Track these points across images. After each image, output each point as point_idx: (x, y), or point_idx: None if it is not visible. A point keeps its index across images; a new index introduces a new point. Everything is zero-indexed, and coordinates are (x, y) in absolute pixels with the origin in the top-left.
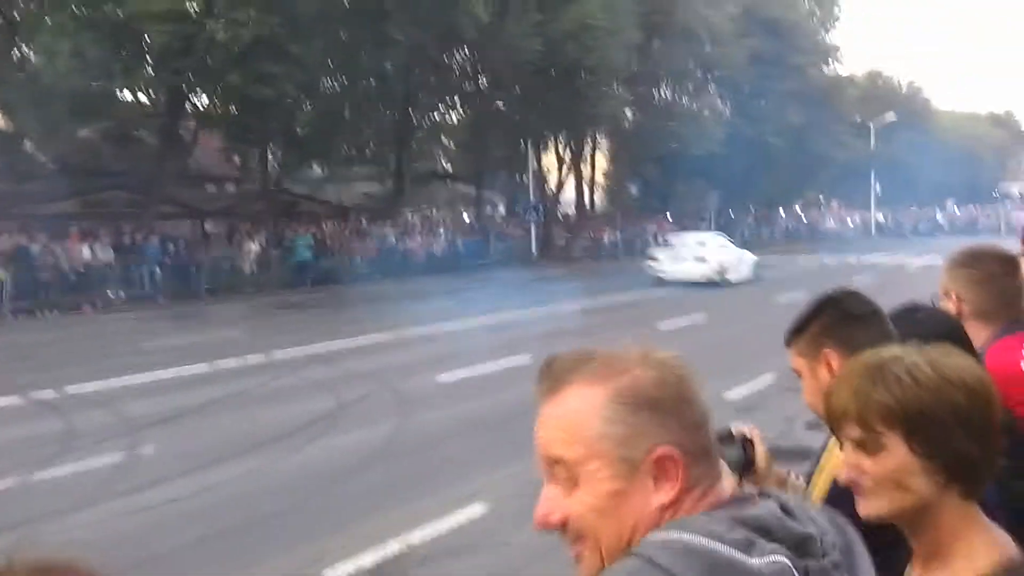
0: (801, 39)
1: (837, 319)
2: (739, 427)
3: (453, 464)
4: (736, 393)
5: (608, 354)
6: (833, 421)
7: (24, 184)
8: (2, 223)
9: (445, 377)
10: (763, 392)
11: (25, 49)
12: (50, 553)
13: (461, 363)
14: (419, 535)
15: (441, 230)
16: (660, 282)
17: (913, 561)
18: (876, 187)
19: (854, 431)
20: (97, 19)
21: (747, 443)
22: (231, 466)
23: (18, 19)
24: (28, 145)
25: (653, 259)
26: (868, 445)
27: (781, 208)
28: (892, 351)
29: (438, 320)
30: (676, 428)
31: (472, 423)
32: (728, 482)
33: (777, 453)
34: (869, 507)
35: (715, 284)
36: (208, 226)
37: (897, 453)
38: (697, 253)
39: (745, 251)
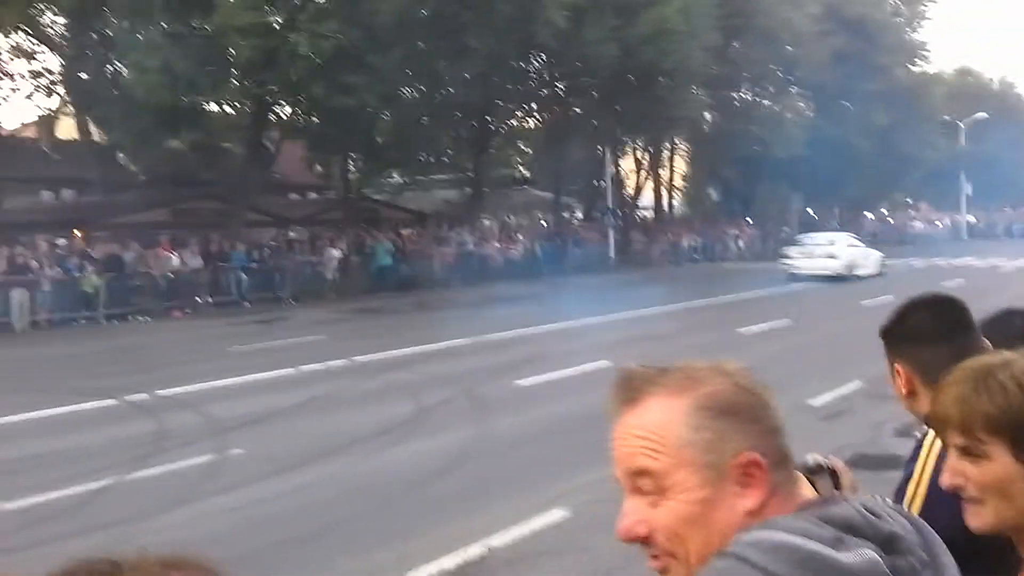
0: (886, 37)
1: (904, 337)
2: (818, 457)
3: (533, 468)
4: (821, 400)
5: (684, 366)
6: (937, 426)
7: (117, 195)
8: (97, 232)
9: (525, 381)
10: (849, 398)
11: (118, 65)
12: (176, 550)
13: (541, 368)
14: (500, 539)
15: (519, 236)
16: (794, 278)
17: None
18: (967, 188)
19: (957, 438)
20: (185, 34)
21: (832, 473)
22: (315, 468)
23: (111, 36)
24: (121, 157)
25: (787, 256)
26: (971, 452)
27: (867, 210)
28: (999, 357)
29: (517, 325)
30: (757, 434)
31: (552, 428)
32: (808, 488)
33: (865, 461)
34: (977, 519)
35: (844, 278)
36: (292, 233)
37: (1001, 462)
38: (828, 250)
39: (872, 249)
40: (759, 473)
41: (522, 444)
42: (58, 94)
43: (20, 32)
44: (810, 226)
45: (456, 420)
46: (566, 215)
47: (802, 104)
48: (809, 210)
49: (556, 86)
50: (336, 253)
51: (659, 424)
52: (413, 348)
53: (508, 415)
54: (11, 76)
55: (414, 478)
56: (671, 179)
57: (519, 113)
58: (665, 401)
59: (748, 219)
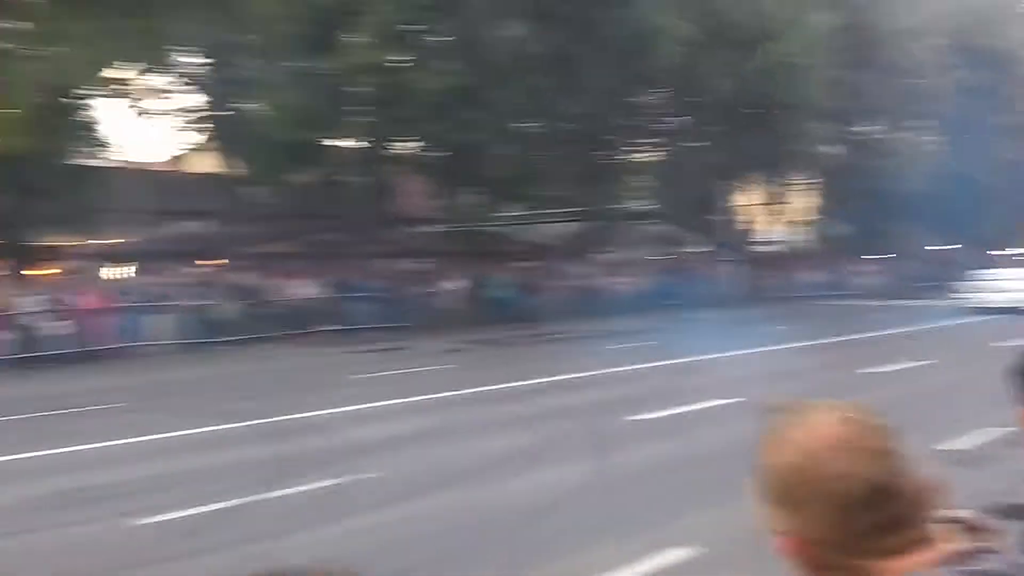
0: (1016, 68)
1: None
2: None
3: (655, 504)
4: (952, 445)
5: (783, 425)
6: None
7: (247, 226)
8: (228, 261)
9: (644, 416)
10: (982, 443)
11: (248, 102)
12: (317, 564)
13: (661, 403)
14: None
15: (637, 270)
16: (976, 311)
17: None
18: None
19: None
20: (310, 72)
21: (971, 526)
22: (432, 497)
23: (241, 73)
24: (251, 190)
25: (968, 290)
26: None
27: (997, 247)
28: None
29: (636, 360)
30: (798, 517)
31: (672, 464)
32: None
33: (1000, 510)
34: None
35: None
36: (411, 265)
37: None
38: (1012, 284)
39: None
40: (792, 553)
41: (641, 480)
42: (194, 130)
43: (154, 71)
44: (944, 263)
45: (574, 453)
46: (685, 249)
47: (928, 138)
48: (939, 247)
49: (674, 120)
50: (454, 285)
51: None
52: (530, 380)
53: (629, 450)
54: (150, 113)
55: (532, 510)
56: (794, 213)
57: (637, 146)
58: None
59: (875, 255)
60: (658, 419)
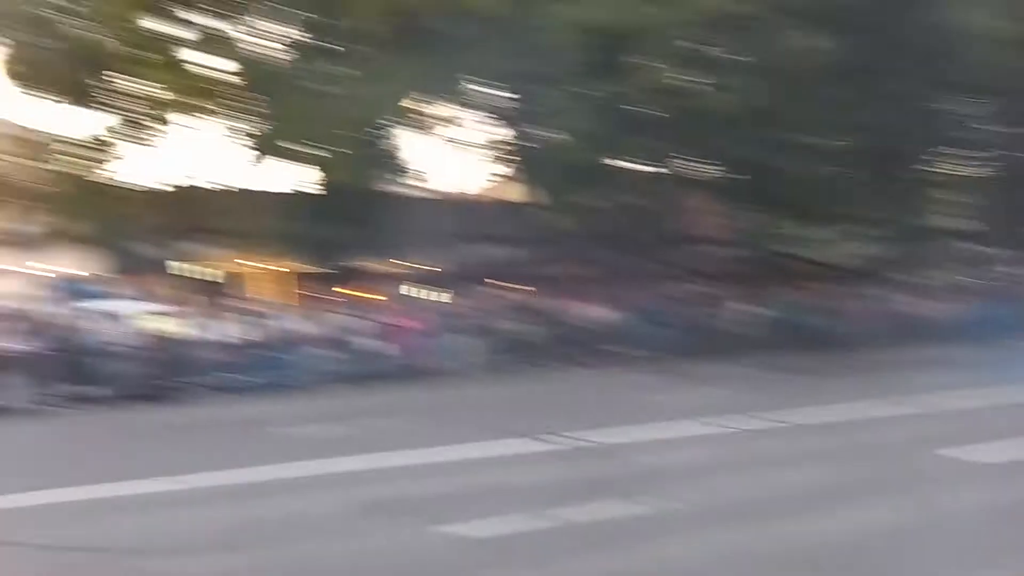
0: None
1: None
2: None
3: (974, 556)
4: None
5: None
6: None
7: (548, 251)
8: (523, 285)
9: (965, 456)
10: None
11: (543, 130)
12: None
13: (984, 441)
14: None
15: (954, 294)
16: None
17: None
18: None
19: None
20: (598, 97)
21: None
22: (730, 530)
23: (535, 104)
24: (550, 216)
25: None
26: None
27: None
28: None
29: (952, 393)
30: None
31: (999, 511)
32: None
33: None
34: None
35: None
36: (701, 288)
37: None
38: None
39: None
40: None
41: (965, 526)
42: (495, 159)
43: (455, 104)
44: None
45: (884, 493)
46: (1011, 271)
47: None
48: None
49: (993, 128)
50: (747, 308)
51: None
52: (833, 411)
53: (947, 492)
54: (456, 144)
55: (834, 552)
56: None
57: (949, 159)
58: None
59: None
60: (981, 460)
